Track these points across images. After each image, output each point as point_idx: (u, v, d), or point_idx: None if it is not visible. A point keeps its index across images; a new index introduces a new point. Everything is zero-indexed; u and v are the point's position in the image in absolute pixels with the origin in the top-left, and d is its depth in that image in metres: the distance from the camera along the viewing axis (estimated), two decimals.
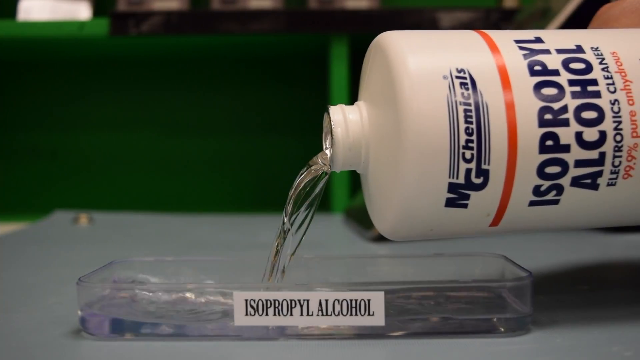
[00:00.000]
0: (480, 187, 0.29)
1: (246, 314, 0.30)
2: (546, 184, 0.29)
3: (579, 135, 0.29)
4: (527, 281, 0.30)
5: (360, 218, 0.66)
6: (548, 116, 0.29)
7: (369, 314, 0.30)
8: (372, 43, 0.32)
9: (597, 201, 0.30)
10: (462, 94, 0.28)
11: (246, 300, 0.30)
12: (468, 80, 0.29)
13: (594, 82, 0.29)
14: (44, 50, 1.05)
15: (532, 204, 0.30)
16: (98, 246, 0.62)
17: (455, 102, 0.28)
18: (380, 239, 0.58)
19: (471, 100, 0.28)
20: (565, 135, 0.29)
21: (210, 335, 0.30)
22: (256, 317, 0.30)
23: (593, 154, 0.29)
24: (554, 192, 0.30)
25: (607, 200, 0.30)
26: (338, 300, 0.30)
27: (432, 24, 0.90)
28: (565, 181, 0.29)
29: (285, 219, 0.33)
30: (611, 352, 0.28)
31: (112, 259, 0.37)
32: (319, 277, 0.37)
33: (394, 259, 0.40)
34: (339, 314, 0.30)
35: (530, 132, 0.29)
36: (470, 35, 0.31)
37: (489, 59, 0.29)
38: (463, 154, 0.28)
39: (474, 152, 0.28)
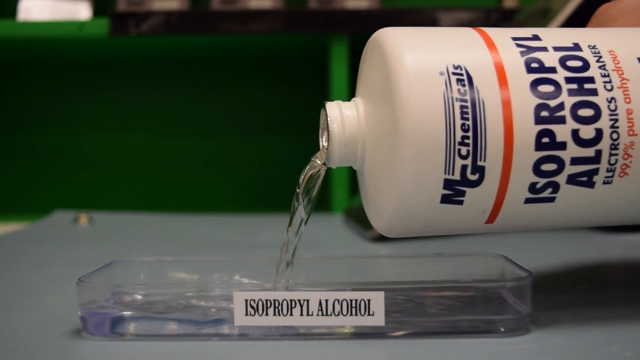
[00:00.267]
0: (475, 184, 0.29)
1: (246, 314, 0.30)
2: (542, 181, 0.29)
3: (575, 133, 0.29)
4: (527, 281, 0.30)
5: (360, 218, 0.66)
6: (544, 113, 0.29)
7: (369, 314, 0.30)
8: (370, 39, 0.32)
9: (593, 199, 0.30)
10: (459, 90, 0.29)
11: (246, 300, 0.30)
12: (465, 77, 0.29)
13: (591, 79, 0.29)
14: (44, 50, 1.05)
15: (527, 201, 0.30)
16: (98, 246, 0.62)
17: (452, 98, 0.28)
18: (380, 239, 0.58)
19: (467, 97, 0.29)
20: (562, 132, 0.29)
21: (210, 335, 0.30)
22: (256, 317, 0.30)
23: (589, 152, 0.29)
24: (549, 190, 0.30)
25: (604, 198, 0.30)
26: (338, 300, 0.30)
27: (432, 24, 0.90)
28: (561, 179, 0.29)
29: (296, 203, 0.33)
30: (611, 352, 0.28)
31: (112, 259, 0.37)
32: (319, 277, 0.37)
33: (394, 259, 0.40)
34: (339, 314, 0.30)
35: (526, 129, 0.29)
36: (468, 32, 0.31)
37: (486, 56, 0.29)
38: (459, 150, 0.28)
39: (470, 148, 0.28)
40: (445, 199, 0.29)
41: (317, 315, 0.30)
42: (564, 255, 0.51)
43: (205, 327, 0.31)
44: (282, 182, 1.07)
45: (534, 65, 0.29)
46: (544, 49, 0.30)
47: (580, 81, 0.29)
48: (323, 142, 0.33)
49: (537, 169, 0.29)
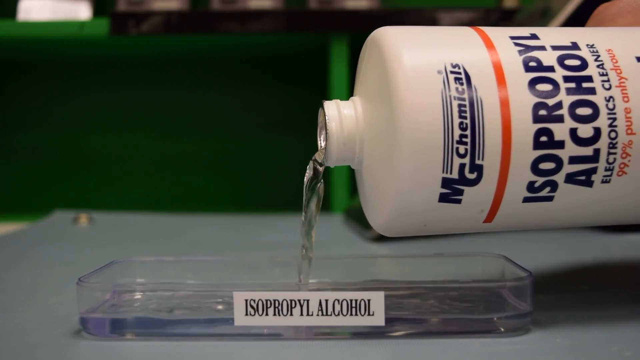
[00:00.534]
0: (474, 183, 0.29)
1: (246, 314, 0.30)
2: (540, 180, 0.29)
3: (573, 132, 0.29)
4: (527, 281, 0.30)
5: (360, 218, 0.66)
6: (542, 112, 0.29)
7: (369, 314, 0.30)
8: (368, 38, 0.32)
9: (591, 198, 0.30)
10: (457, 89, 0.29)
11: (246, 300, 0.30)
12: (462, 76, 0.29)
13: (589, 78, 0.29)
14: (44, 50, 1.05)
15: (526, 200, 0.30)
16: (98, 246, 0.62)
17: (450, 97, 0.28)
18: (380, 239, 0.58)
19: (465, 96, 0.29)
20: (560, 131, 0.29)
21: (210, 335, 0.30)
22: (256, 317, 0.30)
23: (587, 151, 0.29)
24: (548, 189, 0.30)
25: (602, 197, 0.30)
26: (338, 300, 0.30)
27: (432, 24, 0.90)
28: (559, 177, 0.29)
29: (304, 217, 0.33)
30: (611, 352, 0.28)
31: (112, 259, 0.37)
32: (319, 277, 0.37)
33: (394, 259, 0.40)
34: (339, 314, 0.30)
35: (524, 128, 0.29)
36: (466, 31, 0.31)
37: (484, 55, 0.29)
38: (457, 149, 0.28)
39: (468, 147, 0.28)
40: (443, 198, 0.29)
41: (317, 315, 0.30)
42: (564, 255, 0.51)
43: (205, 327, 0.31)
44: (282, 182, 1.07)
45: (532, 64, 0.29)
46: (542, 48, 0.30)
47: (579, 80, 0.29)
48: (321, 141, 0.33)
49: (535, 168, 0.29)
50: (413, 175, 0.29)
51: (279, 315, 0.30)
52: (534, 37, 0.31)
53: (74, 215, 0.78)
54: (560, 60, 0.30)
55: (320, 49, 0.98)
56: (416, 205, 0.29)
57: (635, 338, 0.30)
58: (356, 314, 0.30)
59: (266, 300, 0.30)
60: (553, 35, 0.31)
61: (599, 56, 0.30)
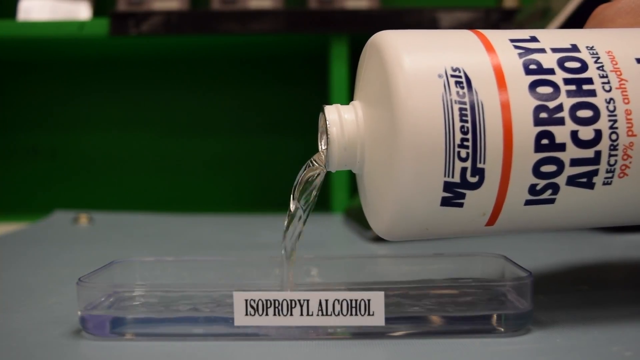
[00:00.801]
0: (475, 186, 0.29)
1: (246, 314, 0.30)
2: (542, 183, 0.29)
3: (574, 134, 0.29)
4: (527, 281, 0.30)
5: (360, 218, 0.66)
6: (543, 115, 0.29)
7: (369, 314, 0.30)
8: (368, 42, 0.32)
9: (593, 200, 0.30)
10: (458, 92, 0.28)
11: (246, 300, 0.30)
12: (463, 79, 0.29)
13: (589, 80, 0.29)
14: (44, 50, 1.05)
15: (527, 203, 0.30)
16: (98, 246, 0.62)
17: (451, 100, 0.28)
18: (380, 239, 0.58)
19: (466, 99, 0.28)
20: (561, 133, 0.29)
21: (210, 335, 0.30)
22: (256, 317, 0.30)
23: (589, 153, 0.29)
24: (549, 191, 0.30)
25: (603, 199, 0.30)
26: (338, 300, 0.30)
27: (432, 24, 0.90)
28: (560, 180, 0.29)
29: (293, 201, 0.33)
30: (611, 352, 0.28)
31: (112, 259, 0.37)
32: (319, 277, 0.37)
33: (393, 259, 0.40)
34: (339, 314, 0.30)
35: (525, 131, 0.29)
36: (466, 35, 0.31)
37: (484, 58, 0.29)
38: (458, 152, 0.28)
39: (470, 150, 0.28)
40: (445, 202, 0.29)
41: (317, 315, 0.30)
42: (564, 255, 0.51)
43: (205, 327, 0.31)
44: (282, 182, 1.07)
45: (532, 66, 0.29)
46: (542, 50, 0.30)
47: (579, 82, 0.29)
48: (322, 145, 0.33)
49: (536, 171, 0.29)
50: (415, 179, 0.29)
51: (279, 315, 0.30)
52: (533, 39, 0.31)
53: (74, 215, 0.78)
54: (560, 63, 0.30)
55: (320, 49, 0.98)
56: (418, 209, 0.29)
57: (636, 338, 0.30)
58: (356, 314, 0.30)
59: (266, 300, 0.30)
60: (553, 38, 0.31)
61: (598, 58, 0.30)
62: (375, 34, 0.31)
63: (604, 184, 0.30)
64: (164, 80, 1.14)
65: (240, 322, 0.30)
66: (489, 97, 0.29)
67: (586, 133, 0.29)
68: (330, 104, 0.33)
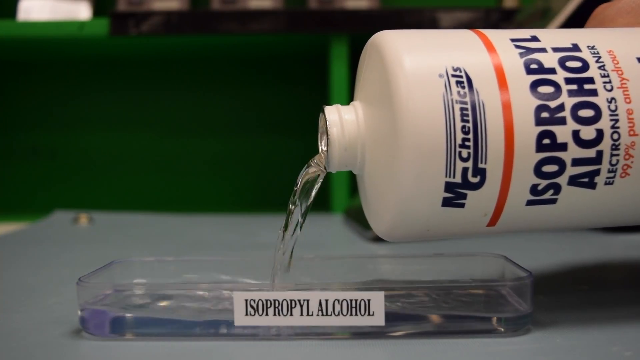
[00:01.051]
0: (477, 187, 0.29)
1: (246, 314, 0.30)
2: (543, 183, 0.29)
3: (576, 134, 0.29)
4: (527, 281, 0.30)
5: (360, 218, 0.66)
6: (545, 114, 0.29)
7: (369, 314, 0.30)
8: (368, 43, 0.32)
9: (594, 200, 0.30)
10: (459, 92, 0.28)
11: (246, 300, 0.30)
12: (464, 79, 0.29)
13: (591, 80, 0.29)
14: (44, 50, 1.05)
15: (529, 203, 0.30)
16: (98, 246, 0.62)
17: (452, 100, 0.28)
18: (380, 239, 0.58)
19: (467, 99, 0.28)
20: (562, 133, 0.29)
21: (210, 335, 0.30)
22: (256, 317, 0.30)
23: (590, 153, 0.29)
24: (551, 191, 0.30)
25: (605, 199, 0.30)
26: (338, 300, 0.30)
27: (432, 24, 0.90)
28: (562, 180, 0.29)
29: (292, 206, 0.33)
30: (611, 352, 0.28)
31: (112, 259, 0.37)
32: (319, 277, 0.37)
33: (394, 259, 0.40)
34: (339, 314, 0.30)
35: (527, 131, 0.29)
36: (467, 34, 0.31)
37: (485, 58, 0.29)
38: (459, 152, 0.28)
39: (471, 150, 0.28)
40: (446, 202, 0.29)
41: (317, 315, 0.30)
42: (564, 255, 0.51)
43: (205, 327, 0.31)
44: (282, 182, 1.07)
45: (534, 66, 0.29)
46: (543, 50, 0.30)
47: (580, 82, 0.29)
48: (322, 146, 0.33)
49: (538, 171, 0.29)
50: (416, 179, 0.29)
51: (279, 315, 0.30)
52: (534, 39, 0.31)
53: (74, 215, 0.78)
54: (562, 62, 0.30)
55: (320, 49, 0.98)
56: (419, 210, 0.29)
57: (636, 338, 0.30)
58: (356, 314, 0.30)
59: (266, 300, 0.30)
60: (554, 37, 0.31)
61: (600, 57, 0.30)
62: (375, 34, 0.31)
63: (606, 183, 0.30)
64: (164, 80, 1.14)
65: (240, 322, 0.30)
66: (490, 97, 0.29)
67: (588, 133, 0.29)
68: (330, 104, 0.33)
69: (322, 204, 0.90)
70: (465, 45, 0.30)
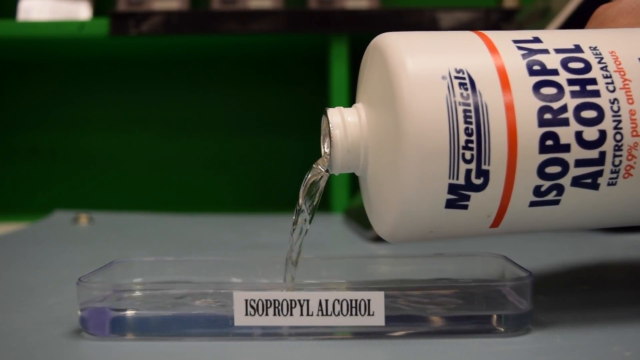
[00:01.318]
0: (480, 188, 0.29)
1: (246, 314, 0.30)
2: (546, 184, 0.29)
3: (579, 135, 0.29)
4: (527, 281, 0.30)
5: (360, 218, 0.66)
6: (548, 116, 0.29)
7: (369, 314, 0.30)
8: (370, 45, 0.32)
9: (597, 201, 0.30)
10: (461, 94, 0.28)
11: (246, 300, 0.30)
12: (467, 81, 0.29)
13: (593, 81, 0.29)
14: (44, 50, 1.05)
15: (532, 204, 0.30)
16: (98, 246, 0.62)
17: (455, 102, 0.28)
18: (380, 239, 0.58)
19: (470, 101, 0.28)
20: (565, 134, 0.29)
21: (210, 335, 0.30)
22: (256, 317, 0.30)
23: (593, 154, 0.29)
24: (554, 193, 0.30)
25: (608, 200, 0.30)
26: (338, 300, 0.30)
27: (432, 24, 0.90)
28: (565, 181, 0.29)
29: (300, 218, 0.33)
30: (611, 352, 0.28)
31: (112, 259, 0.37)
32: (319, 277, 0.37)
33: (394, 259, 0.40)
34: (339, 314, 0.30)
35: (530, 132, 0.29)
36: (469, 36, 0.31)
37: (488, 59, 0.29)
38: (463, 154, 0.28)
39: (474, 152, 0.28)
40: (449, 204, 0.29)
41: (317, 315, 0.30)
42: (564, 255, 0.51)
43: (205, 327, 0.31)
44: (282, 182, 1.07)
45: (536, 67, 0.29)
46: (546, 51, 0.30)
47: (583, 83, 0.29)
48: (325, 148, 0.33)
49: (541, 172, 0.29)
50: (419, 181, 0.29)
51: (279, 315, 0.30)
52: (536, 40, 0.31)
53: (74, 215, 0.78)
54: (564, 63, 0.30)
55: (320, 49, 0.98)
56: (422, 211, 0.29)
57: (636, 338, 0.30)
58: (356, 314, 0.30)
59: (266, 300, 0.30)
60: (556, 38, 0.31)
61: (602, 58, 0.30)
62: (377, 36, 0.31)
63: (609, 184, 0.30)
64: (164, 80, 1.14)
65: (240, 322, 0.30)
66: (493, 99, 0.29)
67: (591, 134, 0.29)
68: (330, 104, 0.33)
69: (322, 204, 0.90)
70: (467, 47, 0.30)
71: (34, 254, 0.57)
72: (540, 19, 0.62)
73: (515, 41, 0.30)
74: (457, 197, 0.29)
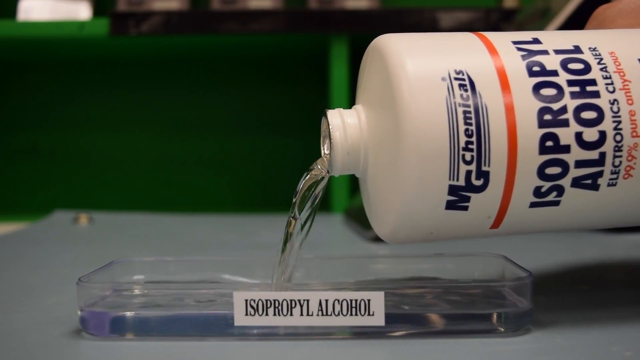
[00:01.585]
0: (480, 189, 0.29)
1: (246, 314, 0.30)
2: (547, 185, 0.29)
3: (578, 136, 0.29)
4: (527, 281, 0.30)
5: (360, 218, 0.66)
6: (547, 117, 0.29)
7: (369, 314, 0.30)
8: (370, 46, 0.32)
9: (598, 202, 0.30)
10: (461, 95, 0.28)
11: (246, 300, 0.30)
12: (467, 82, 0.29)
13: (593, 82, 0.29)
14: (44, 50, 1.05)
15: (532, 205, 0.30)
16: (98, 246, 0.62)
17: (455, 103, 0.28)
18: (380, 239, 0.58)
19: (470, 102, 0.28)
20: (565, 135, 0.29)
21: (210, 335, 0.30)
22: (256, 317, 0.30)
23: (593, 154, 0.29)
24: (554, 193, 0.30)
25: (608, 200, 0.30)
26: (338, 300, 0.30)
27: (432, 24, 0.90)
28: (565, 182, 0.29)
29: (292, 219, 0.33)
30: (611, 352, 0.28)
31: (112, 259, 0.37)
32: (319, 277, 0.37)
33: (394, 259, 0.40)
34: (339, 314, 0.30)
35: (530, 133, 0.29)
36: (468, 37, 0.31)
37: (488, 61, 0.29)
38: (463, 155, 0.28)
39: (474, 153, 0.28)
40: (450, 205, 0.29)
41: (317, 315, 0.30)
42: (564, 255, 0.51)
43: (205, 327, 0.31)
44: (282, 182, 1.07)
45: (536, 68, 0.29)
46: (545, 52, 0.30)
47: (582, 84, 0.29)
48: (325, 150, 0.33)
49: (541, 173, 0.29)
50: (419, 183, 0.29)
51: (279, 315, 0.30)
52: (536, 41, 0.30)
53: (74, 215, 0.78)
54: (564, 64, 0.30)
55: (320, 49, 0.98)
56: (422, 213, 0.29)
57: (636, 338, 0.30)
58: (356, 314, 0.30)
59: (266, 300, 0.30)
60: (555, 39, 0.31)
61: (601, 59, 0.30)
62: (377, 38, 0.31)
63: (609, 185, 0.30)
64: (164, 80, 1.14)
65: (240, 322, 0.30)
66: (493, 100, 0.29)
67: (591, 134, 0.29)
68: (330, 104, 0.33)
69: (322, 204, 0.90)
70: (467, 48, 0.30)
71: (34, 254, 0.57)
72: (540, 19, 0.62)
73: (515, 42, 0.30)
74: (457, 198, 0.29)
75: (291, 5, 1.08)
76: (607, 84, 0.29)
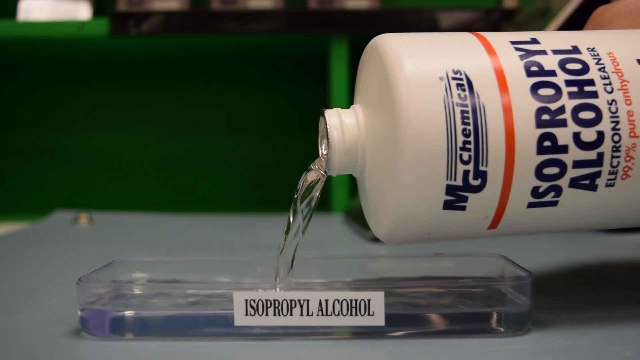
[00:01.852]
0: (478, 189, 0.29)
1: (246, 314, 0.30)
2: (544, 185, 0.29)
3: (576, 136, 0.29)
4: (527, 281, 0.30)
5: (360, 218, 0.66)
6: (545, 117, 0.29)
7: (369, 314, 0.30)
8: (368, 46, 0.32)
9: (595, 202, 0.30)
10: (459, 95, 0.28)
11: (246, 301, 0.30)
12: (464, 82, 0.29)
13: (591, 82, 0.29)
14: (44, 50, 1.05)
15: (530, 205, 0.30)
16: (98, 246, 0.62)
17: (452, 103, 0.28)
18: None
19: (468, 102, 0.28)
20: (563, 135, 0.29)
21: (210, 335, 0.30)
22: (256, 317, 0.30)
23: (591, 155, 0.29)
24: (552, 194, 0.30)
25: (606, 201, 0.30)
26: (338, 300, 0.30)
27: (432, 24, 0.90)
28: (563, 182, 0.29)
29: (291, 219, 0.33)
30: (611, 352, 0.28)
31: (112, 259, 0.37)
32: (319, 277, 0.37)
33: (393, 259, 0.40)
34: (339, 314, 0.30)
35: (527, 133, 0.29)
36: (467, 37, 0.31)
37: (486, 61, 0.29)
38: (460, 155, 0.28)
39: (472, 153, 0.28)
40: (447, 205, 0.29)
41: (317, 315, 0.30)
42: (564, 255, 0.51)
43: (205, 327, 0.31)
44: (282, 182, 1.07)
45: (534, 68, 0.29)
46: (543, 52, 0.30)
47: (581, 84, 0.29)
48: (323, 150, 0.32)
49: (539, 173, 0.29)
50: (417, 182, 0.29)
51: (279, 315, 0.30)
52: (534, 41, 0.30)
53: (74, 215, 0.78)
54: (562, 64, 0.30)
55: (320, 49, 0.98)
56: (420, 213, 0.29)
57: (636, 338, 0.30)
58: (356, 314, 0.30)
59: (266, 300, 0.30)
60: (553, 39, 0.31)
61: (600, 59, 0.30)
62: (375, 37, 0.31)
63: (607, 185, 0.30)
64: (164, 80, 1.14)
65: (240, 322, 0.30)
66: (491, 100, 0.29)
67: (588, 135, 0.29)
68: (330, 104, 0.33)
69: (322, 204, 0.90)
70: (465, 48, 0.30)
71: (34, 254, 0.57)
72: (540, 20, 0.62)
73: (513, 42, 0.30)
74: (455, 198, 0.29)
75: (291, 5, 1.08)
76: (605, 84, 0.29)
